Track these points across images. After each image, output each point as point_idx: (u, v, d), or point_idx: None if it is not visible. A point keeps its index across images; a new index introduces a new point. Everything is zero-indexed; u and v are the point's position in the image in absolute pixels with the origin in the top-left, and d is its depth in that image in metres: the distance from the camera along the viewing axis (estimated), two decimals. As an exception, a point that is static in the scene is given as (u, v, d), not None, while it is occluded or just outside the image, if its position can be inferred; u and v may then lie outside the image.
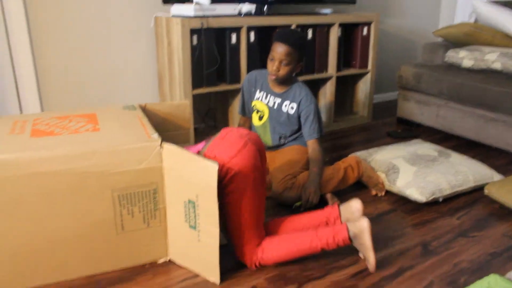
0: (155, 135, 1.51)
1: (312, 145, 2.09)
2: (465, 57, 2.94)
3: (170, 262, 1.61)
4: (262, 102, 2.16)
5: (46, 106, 2.49)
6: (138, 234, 1.54)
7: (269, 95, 2.14)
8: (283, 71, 2.01)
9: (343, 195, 2.12)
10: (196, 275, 1.54)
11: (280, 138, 2.18)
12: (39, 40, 2.39)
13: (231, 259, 1.58)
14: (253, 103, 2.20)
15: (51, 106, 2.51)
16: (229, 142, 1.49)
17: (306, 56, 2.81)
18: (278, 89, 2.12)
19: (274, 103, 2.13)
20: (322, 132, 2.13)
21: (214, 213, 1.41)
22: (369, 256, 1.55)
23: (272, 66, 2.01)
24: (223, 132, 1.54)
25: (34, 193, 1.37)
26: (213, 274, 1.51)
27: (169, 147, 1.47)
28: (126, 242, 1.54)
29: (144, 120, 1.67)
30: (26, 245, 1.41)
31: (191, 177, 1.44)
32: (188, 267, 1.58)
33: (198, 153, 1.49)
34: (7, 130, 1.53)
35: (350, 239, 1.56)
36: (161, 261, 1.61)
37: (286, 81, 2.09)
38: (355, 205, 1.68)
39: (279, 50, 1.98)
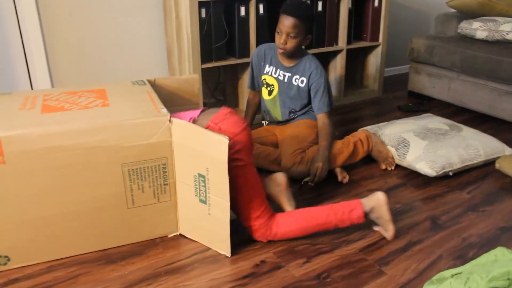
0: (164, 110, 1.51)
1: (322, 118, 2.08)
2: (478, 28, 2.87)
3: (180, 236, 1.63)
4: (271, 76, 2.15)
5: (56, 81, 2.49)
6: (148, 209, 1.56)
7: (278, 70, 2.12)
8: (291, 44, 1.98)
9: (352, 169, 2.12)
10: (206, 249, 1.56)
11: (290, 112, 2.17)
12: (48, 15, 2.38)
13: (240, 234, 1.59)
14: (262, 77, 2.18)
15: (61, 81, 2.51)
16: (233, 120, 1.50)
17: (314, 28, 2.77)
18: (287, 63, 2.10)
19: (284, 76, 2.11)
20: (332, 105, 2.11)
21: (224, 187, 1.42)
22: (389, 228, 1.60)
23: (279, 39, 1.98)
24: (224, 110, 1.53)
25: (46, 167, 1.39)
26: (224, 247, 1.53)
27: (178, 121, 1.47)
28: (136, 217, 1.56)
29: (153, 95, 1.67)
30: (39, 219, 1.43)
31: (201, 151, 1.45)
32: (199, 241, 1.60)
33: (194, 121, 1.51)
34: (17, 106, 1.54)
35: (365, 215, 1.58)
36: (171, 235, 1.63)
37: (295, 54, 2.07)
38: (279, 178, 1.71)
39: (285, 22, 1.94)
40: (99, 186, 1.47)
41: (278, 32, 1.99)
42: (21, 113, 1.48)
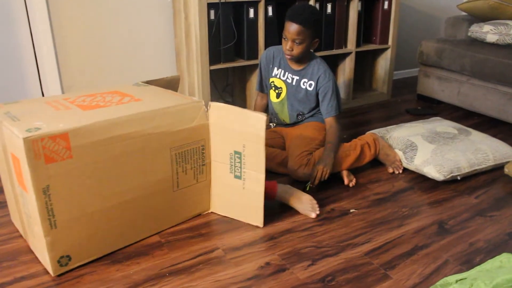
0: (195, 97, 1.63)
1: (330, 122, 2.07)
2: (489, 32, 2.85)
3: (185, 237, 1.63)
4: (280, 79, 2.14)
5: (65, 82, 2.51)
6: (189, 190, 1.65)
7: (287, 73, 2.12)
8: (297, 50, 1.97)
9: (359, 172, 2.11)
10: (211, 251, 1.56)
11: (297, 115, 2.16)
12: (58, 17, 2.40)
13: (243, 236, 1.60)
14: (271, 80, 2.18)
15: (70, 81, 2.53)
16: None
17: (321, 31, 2.76)
18: (296, 66, 2.10)
19: (292, 79, 2.11)
20: (340, 109, 2.10)
21: (261, 160, 1.56)
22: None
23: (285, 45, 1.98)
24: None
25: (107, 158, 1.40)
26: (257, 218, 1.66)
27: (216, 104, 1.60)
28: (180, 199, 1.64)
29: (168, 90, 1.75)
30: (99, 212, 1.43)
31: (238, 129, 1.58)
32: (230, 216, 1.73)
33: None
34: (51, 109, 1.46)
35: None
36: (204, 213, 1.75)
37: (303, 58, 2.06)
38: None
39: (290, 29, 1.94)
40: (152, 172, 1.53)
41: (284, 38, 1.98)
42: (64, 113, 1.42)
